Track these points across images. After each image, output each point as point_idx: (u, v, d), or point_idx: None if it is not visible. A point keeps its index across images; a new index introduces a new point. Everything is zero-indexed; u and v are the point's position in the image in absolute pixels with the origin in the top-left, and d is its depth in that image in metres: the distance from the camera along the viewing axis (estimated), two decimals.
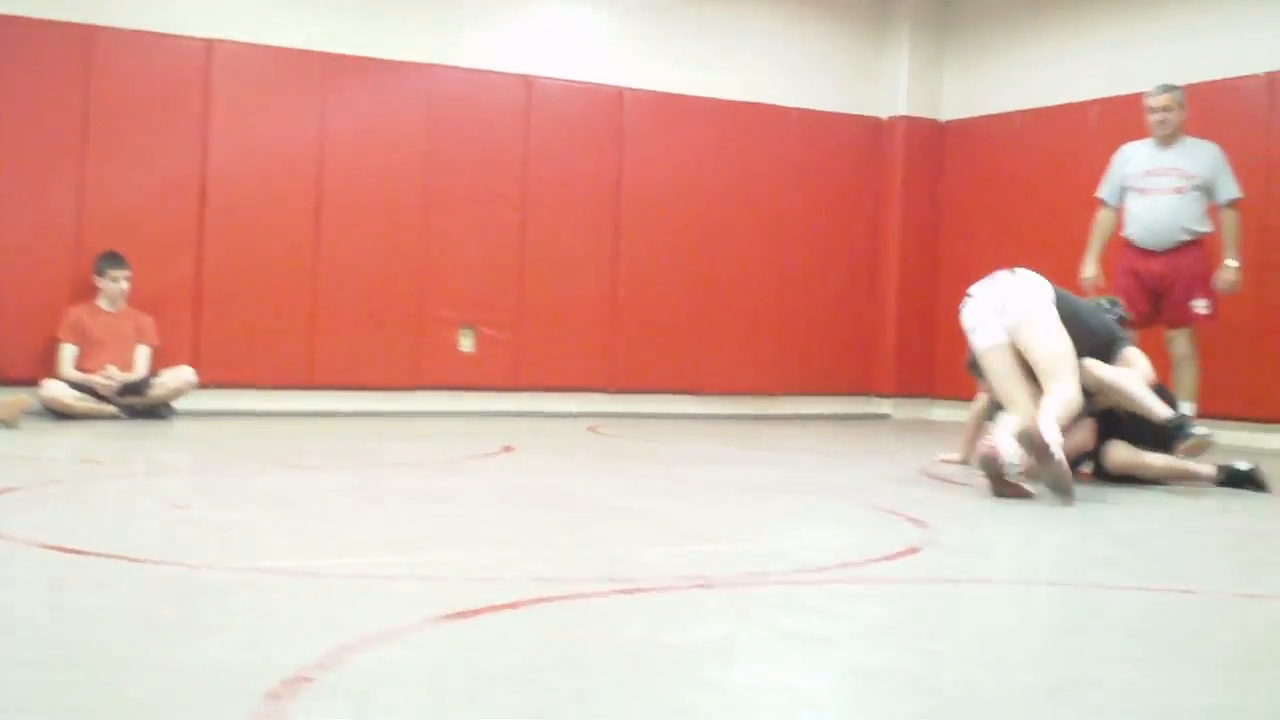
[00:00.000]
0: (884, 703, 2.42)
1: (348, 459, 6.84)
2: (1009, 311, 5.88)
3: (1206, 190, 8.04)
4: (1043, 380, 5.77)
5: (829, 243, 11.29)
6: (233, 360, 9.13)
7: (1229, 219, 8.02)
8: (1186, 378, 8.00)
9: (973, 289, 6.14)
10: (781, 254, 11.04)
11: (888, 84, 11.58)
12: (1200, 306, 7.99)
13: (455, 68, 9.86)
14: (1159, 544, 4.81)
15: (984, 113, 11.19)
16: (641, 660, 2.64)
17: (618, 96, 10.38)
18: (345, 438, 7.90)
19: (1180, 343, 8.06)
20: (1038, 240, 9.49)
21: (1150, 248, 8.08)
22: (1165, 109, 8.07)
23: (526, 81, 10.05)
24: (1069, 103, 10.41)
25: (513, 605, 3.05)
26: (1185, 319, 8.03)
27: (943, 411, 11.14)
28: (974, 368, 6.35)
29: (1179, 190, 8.02)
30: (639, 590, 3.29)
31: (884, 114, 11.54)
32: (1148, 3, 10.11)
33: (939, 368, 11.05)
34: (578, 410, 10.09)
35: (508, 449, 7.32)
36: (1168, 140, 8.11)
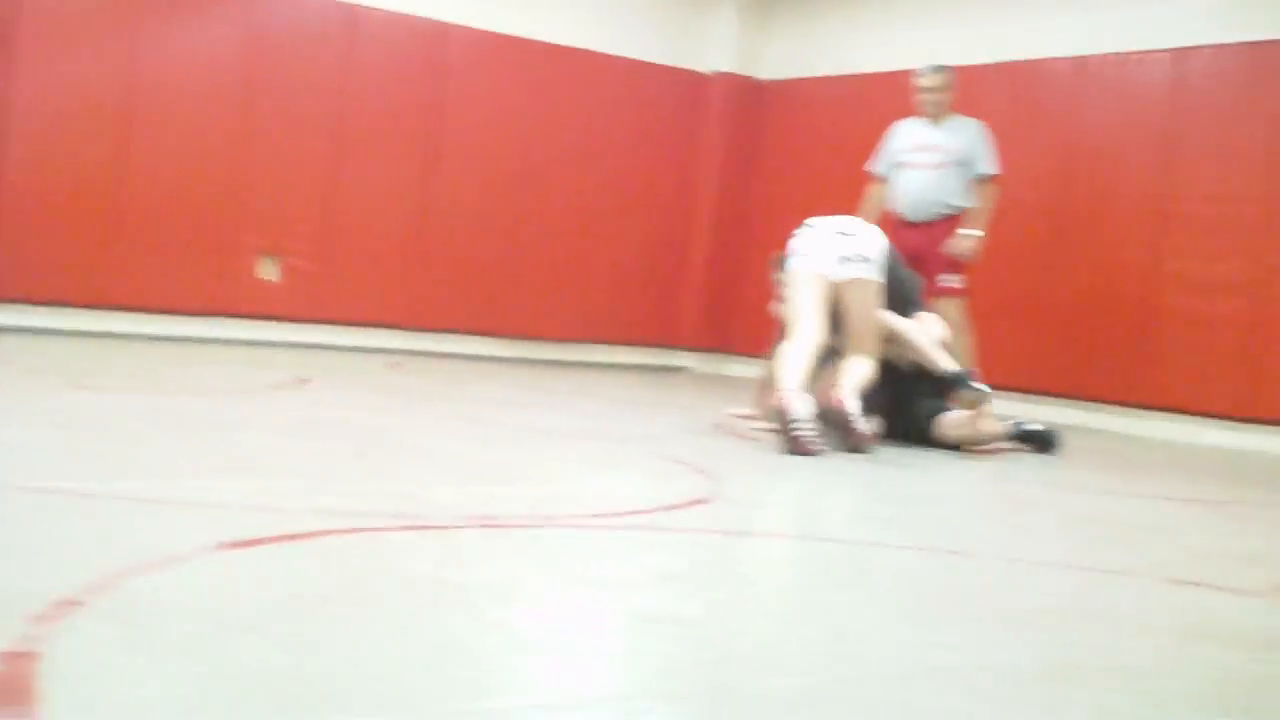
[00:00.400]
0: (663, 648, 2.45)
1: (138, 382, 6.69)
2: (851, 260, 6.18)
3: (967, 165, 8.31)
4: (852, 343, 6.06)
5: (642, 194, 11.33)
6: (28, 275, 8.83)
7: (984, 191, 8.28)
8: (958, 346, 8.09)
9: (813, 220, 6.38)
10: (594, 202, 11.04)
11: (712, 40, 11.63)
12: (948, 280, 8.19)
13: None
14: (938, 506, 4.95)
15: (805, 75, 11.30)
16: (425, 597, 2.63)
17: (443, 32, 10.25)
18: (138, 360, 7.71)
19: (946, 312, 8.13)
20: (849, 206, 9.59)
21: (912, 220, 8.35)
22: (935, 89, 8.39)
23: (350, 10, 9.86)
24: (887, 71, 10.56)
25: (296, 537, 3.02)
26: (938, 290, 8.16)
27: (741, 368, 11.28)
28: (780, 265, 6.53)
29: (940, 165, 8.30)
30: (427, 527, 3.28)
31: (706, 69, 11.59)
32: None
33: (741, 325, 11.18)
34: (379, 346, 9.99)
35: (304, 381, 7.22)
36: (936, 118, 8.41)
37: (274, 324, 9.70)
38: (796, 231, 6.42)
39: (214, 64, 9.44)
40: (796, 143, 11.28)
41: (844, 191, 10.10)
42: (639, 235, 11.33)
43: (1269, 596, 3.42)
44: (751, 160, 11.55)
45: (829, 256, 6.22)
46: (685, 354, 11.60)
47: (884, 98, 10.49)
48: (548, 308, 10.89)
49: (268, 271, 9.67)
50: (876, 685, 2.31)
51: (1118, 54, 9.32)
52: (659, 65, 11.33)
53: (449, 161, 10.36)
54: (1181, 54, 8.99)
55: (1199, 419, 8.63)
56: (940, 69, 8.44)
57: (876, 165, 8.67)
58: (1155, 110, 9.08)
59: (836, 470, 5.39)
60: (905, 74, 10.41)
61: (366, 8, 9.94)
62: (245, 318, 9.61)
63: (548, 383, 8.72)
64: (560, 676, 2.22)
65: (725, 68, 11.54)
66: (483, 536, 3.29)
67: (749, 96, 11.61)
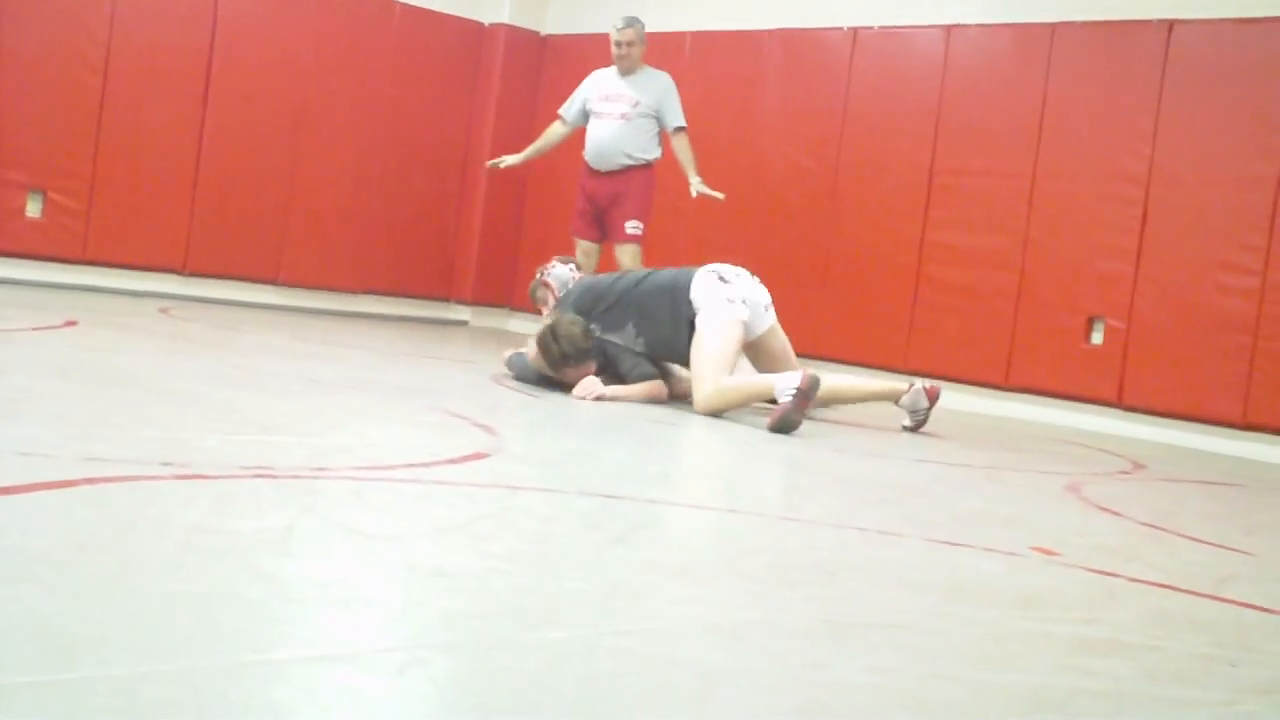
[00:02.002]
0: (436, 600, 2.45)
1: None
2: (767, 309, 6.63)
3: (656, 118, 8.59)
4: (781, 365, 6.61)
5: (421, 144, 11.23)
6: None
7: (679, 143, 8.57)
8: None
9: (723, 270, 6.58)
10: (373, 150, 10.91)
11: None
12: (631, 227, 8.51)
13: None
14: (715, 465, 5.03)
15: (586, 31, 11.31)
16: (195, 546, 2.58)
17: None
18: None
19: (625, 259, 8.54)
20: None
21: (598, 169, 8.63)
22: (628, 43, 8.60)
23: None
24: (668, 31, 10.65)
25: (61, 484, 2.93)
26: (621, 237, 8.56)
27: (519, 324, 11.30)
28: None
29: (625, 116, 8.54)
30: (197, 476, 3.21)
31: (486, 20, 11.52)
32: None
33: (519, 279, 11.18)
34: (151, 290, 9.73)
35: (71, 324, 6.99)
36: (628, 71, 8.65)
37: (40, 264, 9.38)
38: (711, 276, 6.52)
39: None
40: None
41: None
42: (418, 186, 11.24)
43: (1025, 557, 3.56)
44: (531, 114, 11.52)
45: (758, 305, 6.56)
46: (464, 308, 11.56)
47: (666, 58, 10.60)
48: (325, 257, 10.73)
49: (33, 208, 9.33)
50: (649, 639, 2.34)
51: (892, 27, 9.55)
52: (438, 13, 11.24)
53: (223, 102, 10.11)
54: (950, 31, 9.25)
55: (963, 386, 8.93)
56: (631, 22, 8.65)
57: (564, 108, 8.95)
58: (926, 84, 9.33)
59: (615, 428, 5.44)
60: (686, 35, 10.55)
61: None
62: (9, 256, 9.26)
63: (324, 333, 8.60)
64: (334, 628, 2.20)
65: (506, 19, 11.49)
66: (255, 486, 3.23)
67: (530, 49, 11.59)
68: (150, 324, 7.79)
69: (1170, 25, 8.35)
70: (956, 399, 8.89)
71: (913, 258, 9.26)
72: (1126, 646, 2.69)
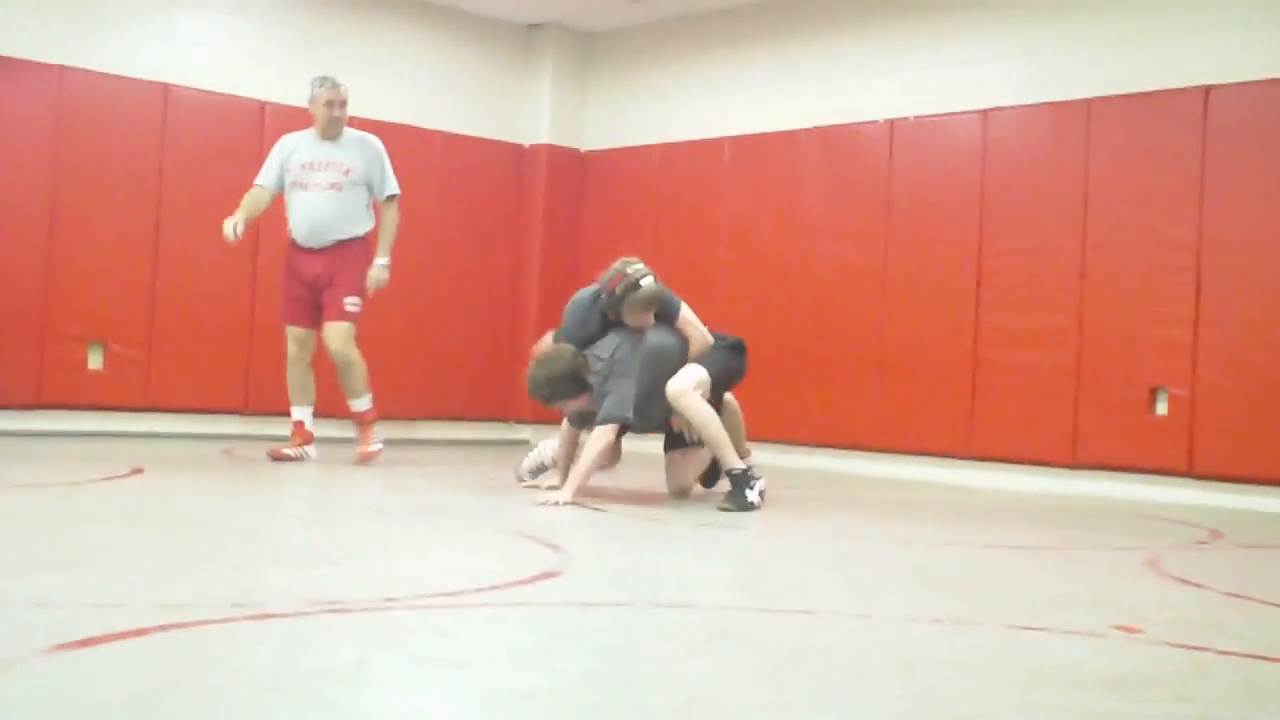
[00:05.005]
0: None
1: None
2: None
3: (367, 186, 7.99)
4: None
5: (470, 267, 11.32)
6: None
7: (389, 214, 8.02)
8: (354, 379, 8.10)
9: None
10: (424, 278, 10.99)
11: (531, 112, 11.71)
12: (350, 304, 7.95)
13: (88, 71, 9.47)
14: (782, 568, 4.98)
15: (625, 144, 11.43)
16: (271, 686, 2.57)
17: (259, 110, 10.15)
18: None
19: (335, 341, 7.99)
20: (676, 271, 9.70)
21: (309, 246, 7.97)
22: (343, 103, 7.94)
23: (164, 89, 9.73)
24: (705, 139, 10.76)
25: (135, 633, 2.93)
26: (338, 314, 7.95)
27: (580, 437, 11.28)
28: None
29: (336, 186, 7.91)
30: (269, 616, 3.21)
31: (526, 141, 11.65)
32: (779, 49, 10.53)
33: None
34: (212, 432, 9.80)
35: (137, 471, 7.05)
36: (334, 135, 7.98)
37: (104, 413, 9.48)
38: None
39: (22, 140, 9.23)
40: (621, 210, 11.40)
41: (664, 253, 10.25)
42: (471, 309, 11.31)
43: (1108, 637, 3.50)
44: (577, 229, 11.64)
45: None
46: (525, 427, 11.56)
47: (702, 164, 10.74)
48: (383, 385, 10.72)
49: (94, 360, 9.45)
50: None
51: (928, 116, 9.58)
52: (479, 139, 11.36)
53: (273, 244, 10.21)
54: (987, 115, 9.28)
55: (1024, 467, 8.85)
56: (340, 81, 7.99)
57: (262, 176, 8.12)
58: (967, 169, 9.34)
59: (680, 537, 5.41)
60: (720, 141, 10.64)
61: (181, 87, 9.82)
62: (73, 408, 9.37)
63: (386, 462, 8.62)
64: None
65: (546, 139, 11.61)
66: (327, 621, 3.23)
67: (571, 166, 11.71)
68: (214, 466, 7.84)
69: (1206, 91, 8.34)
70: (1023, 480, 8.82)
71: (968, 342, 9.22)
72: None
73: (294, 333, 8.14)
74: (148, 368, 9.65)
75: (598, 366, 6.43)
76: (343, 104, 7.93)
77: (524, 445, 11.29)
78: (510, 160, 11.58)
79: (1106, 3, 8.93)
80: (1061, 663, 3.21)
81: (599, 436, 6.36)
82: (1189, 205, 8.35)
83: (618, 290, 6.43)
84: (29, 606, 3.22)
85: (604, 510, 6.11)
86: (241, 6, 10.31)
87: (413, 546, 4.87)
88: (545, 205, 11.57)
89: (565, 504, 6.14)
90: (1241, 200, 8.21)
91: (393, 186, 8.02)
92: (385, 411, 10.74)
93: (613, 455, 6.70)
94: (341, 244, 7.96)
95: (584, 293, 6.77)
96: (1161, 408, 8.41)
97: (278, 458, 8.08)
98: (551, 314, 11.51)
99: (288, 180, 7.99)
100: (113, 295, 9.55)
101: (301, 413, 8.26)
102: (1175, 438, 8.31)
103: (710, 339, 6.67)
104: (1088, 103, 8.83)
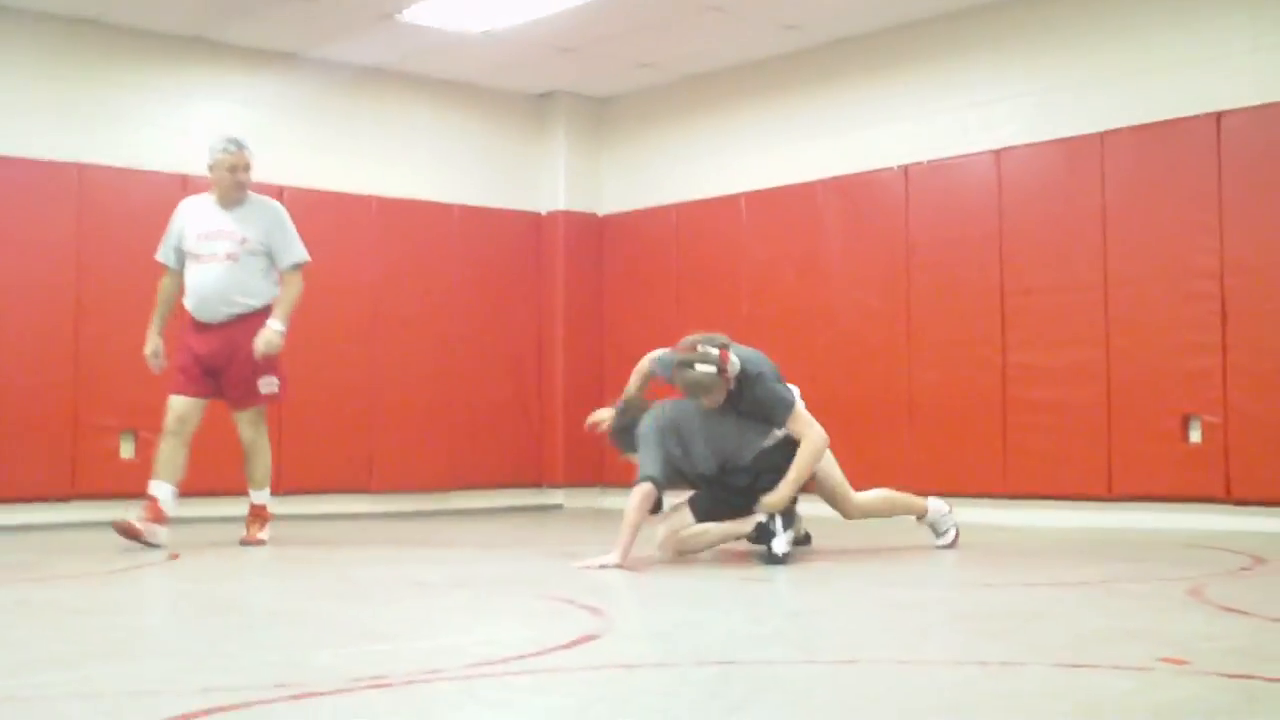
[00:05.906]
0: None
1: (6, 573, 6.49)
2: None
3: (267, 255, 7.46)
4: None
5: (495, 335, 11.37)
6: None
7: (290, 283, 7.44)
8: (258, 467, 7.66)
9: None
10: (448, 349, 11.05)
11: (547, 179, 11.79)
12: (265, 384, 7.45)
13: (107, 166, 9.57)
14: (824, 618, 4.96)
15: (641, 206, 11.49)
16: None
17: (278, 194, 10.19)
18: (2, 553, 7.49)
19: (245, 427, 7.56)
20: (699, 329, 9.75)
21: (205, 320, 7.40)
22: (245, 167, 7.45)
23: (182, 180, 9.81)
24: (720, 196, 10.82)
25: (179, 719, 2.94)
26: (250, 399, 7.46)
27: (614, 500, 11.28)
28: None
29: (232, 256, 7.38)
30: (312, 694, 3.21)
31: (544, 209, 11.72)
32: (789, 104, 10.60)
33: (609, 456, 11.18)
34: (243, 514, 9.80)
35: (174, 556, 7.06)
36: (234, 202, 7.47)
37: (137, 501, 9.49)
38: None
39: (45, 238, 9.38)
40: (641, 270, 11.47)
41: (686, 311, 10.30)
42: (497, 377, 11.35)
43: (1155, 670, 3.48)
44: (599, 292, 11.70)
45: None
46: (557, 491, 11.57)
47: (719, 221, 10.79)
48: (413, 458, 10.81)
49: (127, 450, 9.49)
50: None
51: (942, 159, 9.61)
52: (497, 209, 11.44)
53: (298, 321, 10.27)
54: (1000, 155, 9.30)
55: (1060, 502, 8.82)
56: (244, 143, 7.50)
57: (162, 254, 7.58)
58: (983, 210, 9.35)
59: (718, 591, 5.40)
60: (736, 197, 10.69)
61: (199, 177, 9.74)
62: (106, 499, 9.40)
63: (421, 534, 8.63)
64: None
65: (562, 206, 11.68)
66: (370, 697, 3.23)
67: (589, 231, 11.77)
68: (250, 548, 7.85)
69: (1218, 117, 8.35)
70: (1060, 516, 8.78)
71: (997, 381, 9.20)
72: None
73: (175, 403, 7.43)
74: None
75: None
76: (246, 168, 7.43)
77: (557, 509, 11.29)
78: (528, 228, 11.64)
79: (1113, 35, 8.96)
80: (1110, 698, 3.19)
81: (633, 494, 6.39)
82: (1209, 232, 8.34)
83: (675, 359, 6.46)
84: (78, 698, 3.23)
85: (642, 572, 6.10)
86: (256, 96, 10.42)
87: (454, 617, 4.86)
88: (565, 270, 11.63)
89: (613, 566, 6.13)
90: (1261, 223, 8.21)
91: (297, 254, 7.46)
92: (418, 484, 10.79)
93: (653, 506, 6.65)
94: (241, 319, 7.38)
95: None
96: (1195, 435, 8.38)
97: (128, 533, 7.27)
98: (577, 377, 11.57)
99: (186, 251, 7.46)
100: (141, 384, 9.57)
101: (161, 489, 7.46)
102: (1211, 465, 8.27)
103: (821, 444, 6.60)
104: (1100, 136, 8.85)
